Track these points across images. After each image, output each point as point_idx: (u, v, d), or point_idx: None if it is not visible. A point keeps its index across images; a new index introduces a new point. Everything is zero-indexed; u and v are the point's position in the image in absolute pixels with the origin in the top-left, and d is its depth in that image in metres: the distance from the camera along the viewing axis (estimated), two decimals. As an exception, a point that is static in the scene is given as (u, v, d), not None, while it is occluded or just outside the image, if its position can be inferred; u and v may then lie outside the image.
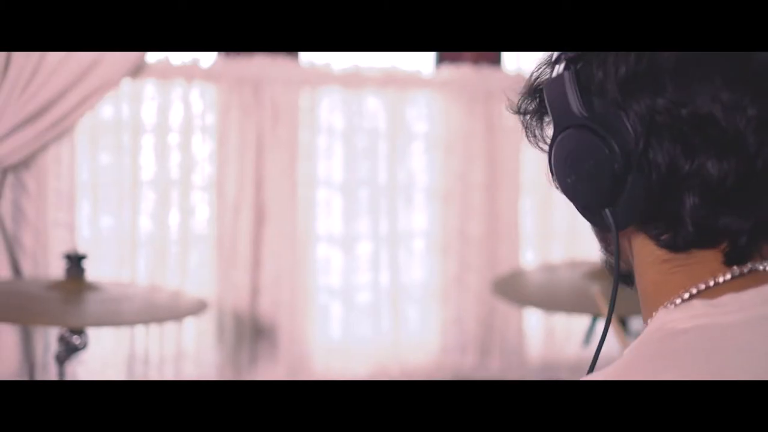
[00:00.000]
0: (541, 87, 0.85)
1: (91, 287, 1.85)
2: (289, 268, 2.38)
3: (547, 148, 0.86)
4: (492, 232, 2.56)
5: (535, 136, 0.88)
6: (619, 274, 0.83)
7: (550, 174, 0.87)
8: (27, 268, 2.16)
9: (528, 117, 0.87)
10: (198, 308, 1.92)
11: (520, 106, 0.88)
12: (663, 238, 0.79)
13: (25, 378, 2.13)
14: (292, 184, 2.38)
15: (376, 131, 2.47)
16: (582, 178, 0.80)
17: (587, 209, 0.83)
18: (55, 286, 1.84)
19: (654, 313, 0.80)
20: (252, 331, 2.38)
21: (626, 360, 0.77)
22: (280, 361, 2.40)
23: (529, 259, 2.64)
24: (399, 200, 2.50)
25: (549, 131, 0.85)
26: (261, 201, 2.36)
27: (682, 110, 0.75)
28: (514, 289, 2.31)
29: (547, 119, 0.86)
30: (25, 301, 1.82)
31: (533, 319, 2.63)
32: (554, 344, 2.61)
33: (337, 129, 2.45)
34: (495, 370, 2.58)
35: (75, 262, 1.84)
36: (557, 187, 0.87)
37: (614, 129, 0.77)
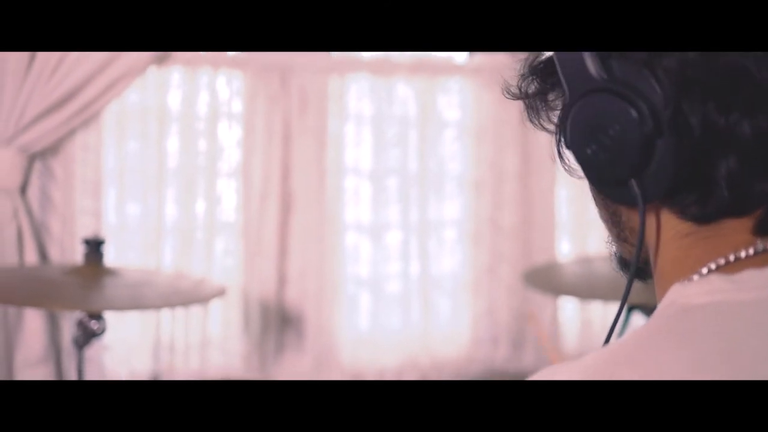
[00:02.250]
0: (541, 65, 0.80)
1: (109, 272, 1.85)
2: (317, 257, 2.36)
3: (552, 128, 0.81)
4: (526, 222, 2.50)
5: (539, 116, 0.82)
6: (639, 257, 0.77)
7: (557, 153, 0.82)
8: (54, 255, 2.17)
9: (531, 97, 0.82)
10: (217, 293, 1.90)
11: (521, 87, 0.83)
12: (692, 208, 0.73)
13: (51, 365, 2.13)
14: (320, 172, 2.35)
15: (406, 119, 2.43)
16: (605, 148, 0.74)
17: (609, 183, 0.76)
18: (74, 271, 1.84)
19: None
20: (278, 320, 2.36)
21: (637, 337, 0.72)
22: (306, 351, 2.38)
23: (565, 250, 2.57)
24: (429, 189, 2.45)
25: (554, 113, 0.80)
26: (288, 189, 2.34)
27: (714, 63, 0.70)
28: (548, 279, 2.25)
29: (551, 96, 0.81)
30: (44, 286, 1.82)
31: (568, 310, 2.56)
32: (590, 336, 2.54)
33: (366, 116, 2.42)
34: (528, 363, 2.52)
35: (94, 247, 1.84)
36: (566, 169, 0.82)
37: (640, 90, 0.71)
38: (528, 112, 0.82)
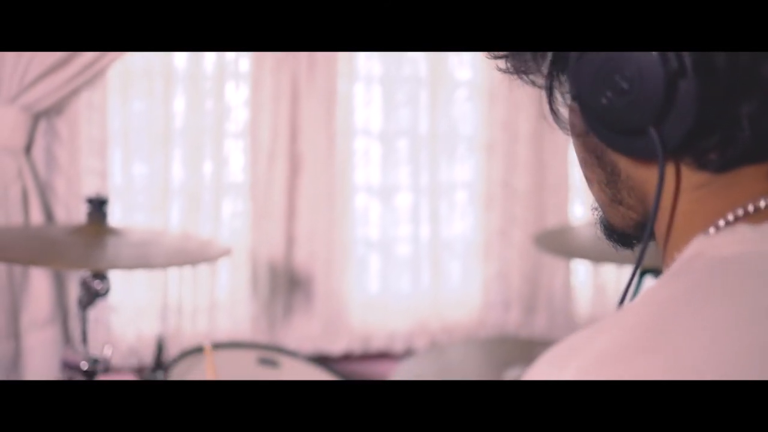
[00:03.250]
0: None
1: (113, 232, 1.82)
2: (326, 219, 2.33)
3: (542, 82, 0.75)
4: (539, 184, 2.46)
5: (527, 69, 0.75)
6: (656, 215, 0.72)
7: (549, 107, 0.77)
8: (59, 215, 2.15)
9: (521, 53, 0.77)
10: (224, 253, 1.88)
11: None
12: (710, 155, 0.69)
13: (57, 325, 2.12)
14: (329, 133, 2.32)
15: (416, 79, 2.39)
16: (622, 93, 0.69)
17: (624, 133, 0.71)
18: (77, 230, 1.81)
19: (684, 246, 0.70)
20: (287, 282, 2.33)
21: (665, 293, 0.66)
22: (315, 314, 2.36)
23: (579, 213, 2.53)
24: (440, 150, 2.41)
25: (544, 65, 0.74)
26: (296, 150, 2.30)
27: None
28: (560, 242, 2.21)
29: None
30: (47, 245, 1.79)
31: (581, 274, 2.52)
32: (603, 301, 2.51)
33: (375, 76, 2.37)
34: (541, 327, 2.49)
35: (97, 206, 1.81)
36: (560, 126, 0.77)
37: None
38: (517, 66, 0.76)
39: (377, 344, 2.41)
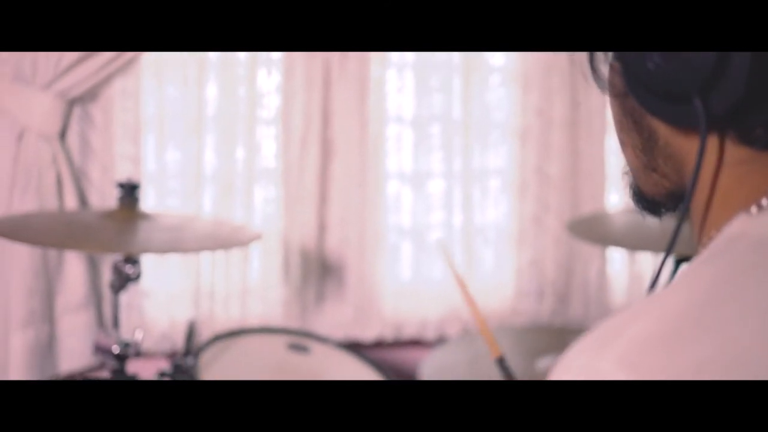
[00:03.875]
0: None
1: (145, 216, 1.83)
2: (358, 205, 2.32)
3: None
4: (573, 171, 2.43)
5: None
6: (695, 186, 0.69)
7: (591, 67, 0.74)
8: (94, 201, 2.17)
9: None
10: (255, 238, 1.89)
11: None
12: (757, 130, 0.66)
13: (91, 310, 2.14)
14: (362, 119, 2.31)
15: (449, 64, 2.37)
16: (671, 58, 0.66)
17: (667, 100, 0.68)
18: (109, 214, 1.83)
19: (723, 225, 0.68)
20: (319, 269, 2.33)
21: (706, 276, 0.63)
22: (347, 300, 2.35)
23: (614, 201, 2.50)
24: (474, 137, 2.39)
25: None
26: (328, 136, 2.30)
27: None
28: (595, 229, 2.18)
29: None
30: (79, 229, 1.81)
31: (617, 263, 2.49)
32: (639, 290, 2.47)
33: (408, 62, 2.36)
34: (575, 316, 2.46)
35: (129, 190, 1.82)
36: (603, 86, 0.74)
37: None
38: None
39: (409, 332, 2.41)
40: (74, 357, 2.11)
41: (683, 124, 0.69)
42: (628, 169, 0.77)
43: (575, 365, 0.60)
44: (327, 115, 2.29)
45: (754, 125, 0.66)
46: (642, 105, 0.71)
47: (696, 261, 0.68)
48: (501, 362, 1.21)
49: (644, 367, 0.57)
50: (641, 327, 0.60)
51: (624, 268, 2.49)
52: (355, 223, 2.32)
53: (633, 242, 2.13)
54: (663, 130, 0.71)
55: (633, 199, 0.77)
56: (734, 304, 0.60)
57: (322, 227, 2.32)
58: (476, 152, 2.40)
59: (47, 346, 2.10)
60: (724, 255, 0.65)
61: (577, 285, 2.46)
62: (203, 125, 2.23)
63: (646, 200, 0.76)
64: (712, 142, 0.69)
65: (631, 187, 0.77)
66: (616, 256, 2.47)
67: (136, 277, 1.86)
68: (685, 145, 0.70)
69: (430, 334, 2.41)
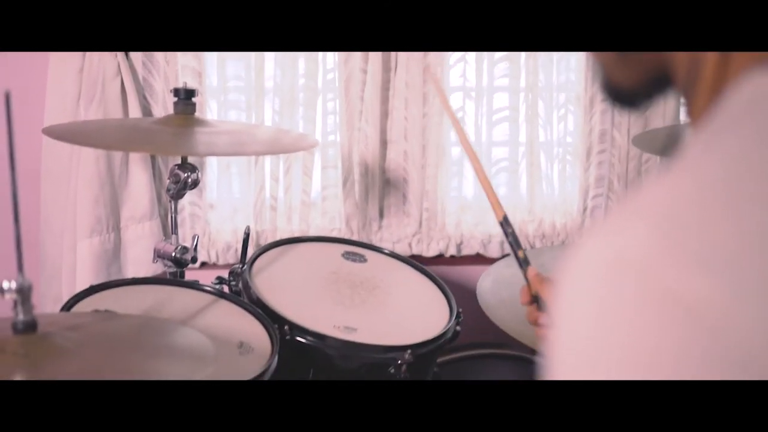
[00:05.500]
0: None
1: (202, 122, 1.85)
2: (420, 119, 2.29)
3: None
4: (644, 85, 2.35)
5: None
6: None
7: None
8: (157, 113, 2.20)
9: None
10: (313, 145, 1.88)
11: None
12: None
13: (157, 217, 2.18)
14: (424, 31, 2.27)
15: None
16: None
17: None
18: (167, 119, 1.85)
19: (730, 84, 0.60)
20: (381, 183, 2.32)
21: (732, 143, 0.55)
22: (409, 215, 2.34)
23: (683, 113, 2.40)
24: (540, 51, 2.33)
25: None
26: (390, 49, 2.27)
27: None
28: (662, 142, 2.11)
29: None
30: (139, 133, 1.83)
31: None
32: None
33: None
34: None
35: (185, 95, 1.83)
36: None
37: None
38: None
39: (472, 247, 2.39)
40: (139, 265, 2.16)
41: None
42: (594, 59, 0.70)
43: (595, 248, 0.52)
44: (388, 27, 2.25)
45: None
46: None
47: (708, 129, 0.59)
48: (504, 223, 1.21)
49: (677, 235, 0.50)
50: (666, 198, 0.53)
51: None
52: (417, 137, 2.30)
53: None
54: None
55: (605, 94, 0.69)
56: None
57: (383, 142, 2.31)
58: (542, 66, 2.34)
59: (113, 253, 2.16)
60: (745, 120, 0.57)
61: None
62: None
63: (620, 92, 0.69)
64: None
65: (601, 79, 0.69)
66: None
67: (194, 184, 1.88)
68: None
69: (492, 252, 2.38)
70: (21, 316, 1.13)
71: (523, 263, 1.19)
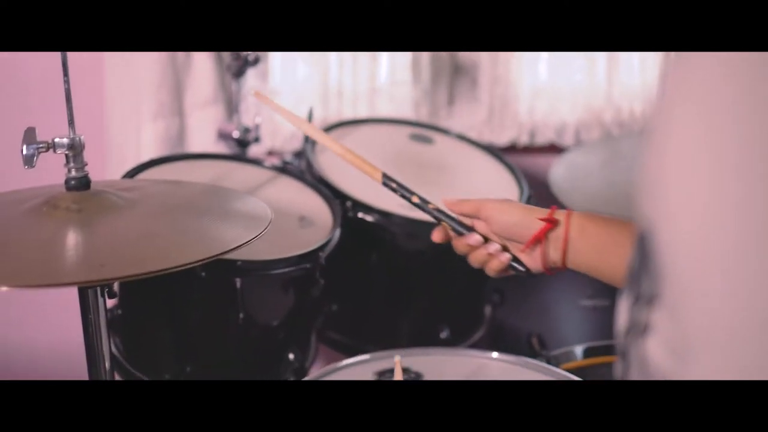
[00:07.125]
0: None
1: None
2: None
3: None
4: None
5: None
6: None
7: None
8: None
9: None
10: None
11: None
12: None
13: (220, 105, 2.14)
14: None
15: None
16: None
17: None
18: None
19: None
20: (450, 68, 2.24)
21: None
22: (480, 102, 2.26)
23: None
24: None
25: None
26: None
27: None
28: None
29: None
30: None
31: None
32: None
33: None
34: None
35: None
36: None
37: None
38: None
39: (545, 136, 2.29)
40: (201, 147, 2.13)
41: None
42: None
43: None
44: None
45: None
46: None
47: None
48: (386, 182, 1.17)
49: None
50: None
51: None
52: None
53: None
54: None
55: None
56: None
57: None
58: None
59: (177, 137, 2.13)
60: None
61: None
62: None
63: None
64: None
65: None
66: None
67: (255, 61, 1.83)
68: None
69: (567, 140, 2.29)
70: (73, 173, 1.10)
71: (423, 204, 1.11)
